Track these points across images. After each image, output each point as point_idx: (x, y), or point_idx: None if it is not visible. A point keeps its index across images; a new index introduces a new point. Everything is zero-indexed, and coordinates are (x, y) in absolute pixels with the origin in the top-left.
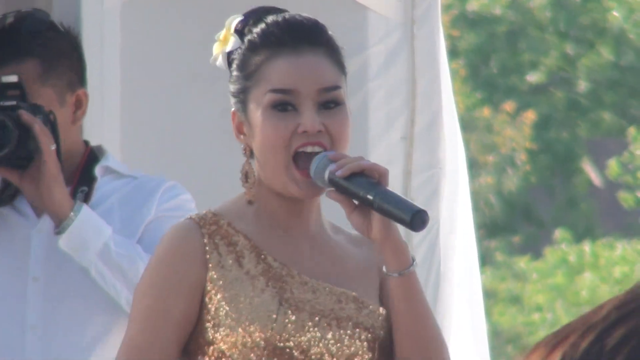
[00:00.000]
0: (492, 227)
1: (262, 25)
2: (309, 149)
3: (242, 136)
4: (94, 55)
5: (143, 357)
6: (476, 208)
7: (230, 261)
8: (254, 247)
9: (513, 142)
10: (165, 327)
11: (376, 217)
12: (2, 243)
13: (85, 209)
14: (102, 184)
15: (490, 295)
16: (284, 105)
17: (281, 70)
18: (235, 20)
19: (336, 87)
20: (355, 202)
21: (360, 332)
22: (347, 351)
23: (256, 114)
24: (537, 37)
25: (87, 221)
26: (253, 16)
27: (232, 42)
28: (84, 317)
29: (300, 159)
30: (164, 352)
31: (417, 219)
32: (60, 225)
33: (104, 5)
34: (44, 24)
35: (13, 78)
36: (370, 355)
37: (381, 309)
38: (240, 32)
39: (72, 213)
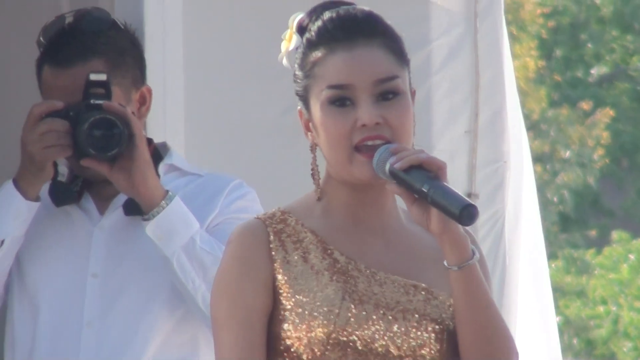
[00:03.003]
0: (564, 222)
1: (319, 23)
2: (370, 143)
3: (309, 134)
4: (157, 52)
5: (243, 357)
6: (551, 203)
7: (296, 257)
8: (320, 242)
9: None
10: (254, 324)
11: (434, 210)
12: (65, 240)
13: (177, 199)
14: (166, 182)
15: (556, 289)
16: (341, 100)
17: (336, 66)
18: (296, 19)
19: (393, 77)
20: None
21: (428, 323)
22: (414, 343)
23: (316, 110)
24: (599, 30)
25: (177, 212)
26: (314, 13)
27: (294, 41)
28: (140, 314)
29: (363, 150)
30: (260, 350)
31: (465, 213)
32: (150, 212)
33: (166, 1)
34: (105, 23)
35: (101, 76)
36: (439, 347)
37: (447, 299)
38: (300, 31)
39: (164, 201)
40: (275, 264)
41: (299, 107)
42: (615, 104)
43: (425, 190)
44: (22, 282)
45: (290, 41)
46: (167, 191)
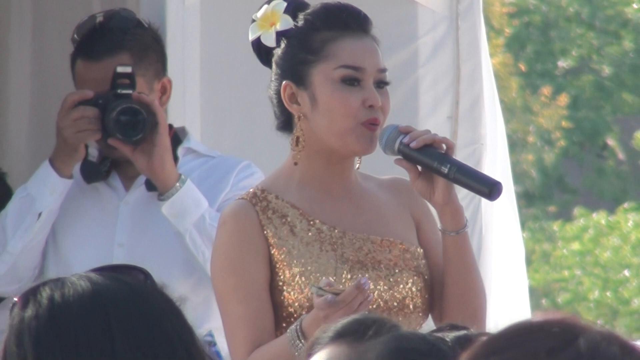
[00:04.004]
0: (531, 197)
1: (320, 9)
2: (374, 124)
3: (295, 105)
4: (177, 47)
5: (255, 324)
6: (518, 181)
7: (285, 232)
8: (302, 214)
9: (551, 122)
10: (260, 294)
11: (440, 184)
12: (94, 213)
13: (189, 182)
14: (184, 163)
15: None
16: (352, 80)
17: (351, 49)
18: (282, 4)
19: (386, 70)
20: (420, 169)
21: (409, 277)
22: (399, 296)
23: (323, 86)
24: (566, 28)
25: (189, 193)
26: (293, 2)
27: (285, 22)
28: (161, 278)
29: (367, 127)
30: (269, 315)
31: (495, 191)
32: (165, 193)
33: (185, 2)
34: (131, 21)
35: (127, 69)
36: (419, 296)
37: (419, 249)
38: (292, 14)
39: (178, 184)
40: (268, 240)
41: (280, 83)
42: (579, 94)
43: (446, 170)
44: (57, 250)
45: (274, 22)
46: (180, 175)
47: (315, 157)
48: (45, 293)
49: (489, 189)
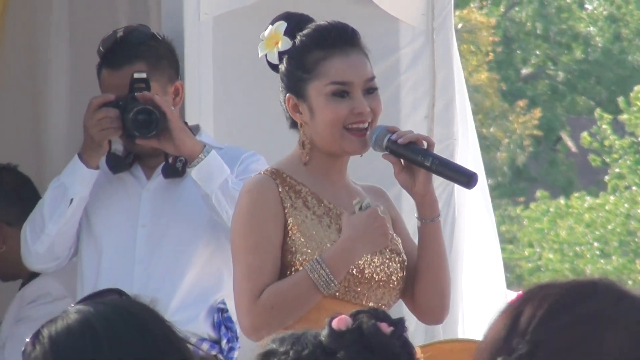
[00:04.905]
0: (501, 187)
1: (312, 31)
2: (361, 126)
3: (297, 114)
4: (193, 56)
5: (263, 276)
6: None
7: (300, 204)
8: (313, 193)
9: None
10: (273, 252)
11: (421, 177)
12: (119, 199)
13: (213, 152)
14: None
15: None
16: (341, 93)
17: (338, 68)
18: (283, 25)
19: (374, 77)
20: (403, 163)
21: (395, 256)
22: (387, 271)
23: (318, 99)
24: (525, 40)
25: (213, 160)
26: (294, 21)
27: (285, 43)
28: (179, 253)
29: (353, 131)
30: (275, 271)
31: (472, 180)
32: (193, 162)
33: (200, 18)
34: (147, 35)
35: (142, 75)
36: (402, 274)
37: (399, 238)
38: (290, 35)
39: (201, 154)
40: (285, 209)
41: (285, 95)
42: (537, 96)
43: (429, 163)
44: (90, 231)
45: (277, 43)
46: (204, 145)
47: (319, 153)
48: (45, 333)
49: (467, 179)
